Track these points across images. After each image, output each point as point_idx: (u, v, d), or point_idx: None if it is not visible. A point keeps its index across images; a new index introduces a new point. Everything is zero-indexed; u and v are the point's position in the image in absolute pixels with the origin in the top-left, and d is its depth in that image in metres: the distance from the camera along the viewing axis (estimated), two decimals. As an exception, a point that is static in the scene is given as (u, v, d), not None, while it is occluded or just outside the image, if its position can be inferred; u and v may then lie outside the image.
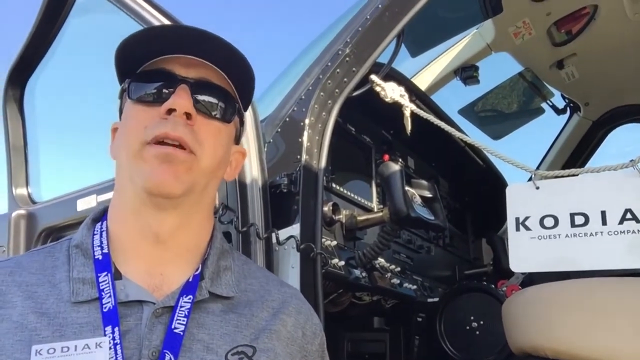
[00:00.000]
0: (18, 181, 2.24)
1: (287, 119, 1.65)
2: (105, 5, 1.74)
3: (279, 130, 1.66)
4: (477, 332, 2.10)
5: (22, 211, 2.11)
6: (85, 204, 1.89)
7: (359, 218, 1.88)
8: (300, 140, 1.59)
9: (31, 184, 2.26)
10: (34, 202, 2.21)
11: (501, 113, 3.50)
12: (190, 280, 0.95)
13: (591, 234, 1.37)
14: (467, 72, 3.03)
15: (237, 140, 1.09)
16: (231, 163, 1.08)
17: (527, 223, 1.43)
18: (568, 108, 3.58)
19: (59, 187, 2.17)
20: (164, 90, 0.94)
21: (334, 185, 1.91)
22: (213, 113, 0.97)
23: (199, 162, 0.93)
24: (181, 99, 0.92)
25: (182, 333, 0.88)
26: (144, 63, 0.98)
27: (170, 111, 0.92)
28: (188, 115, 0.93)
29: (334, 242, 1.74)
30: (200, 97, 0.96)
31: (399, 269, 2.11)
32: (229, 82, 1.01)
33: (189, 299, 0.92)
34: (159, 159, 0.90)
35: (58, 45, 2.15)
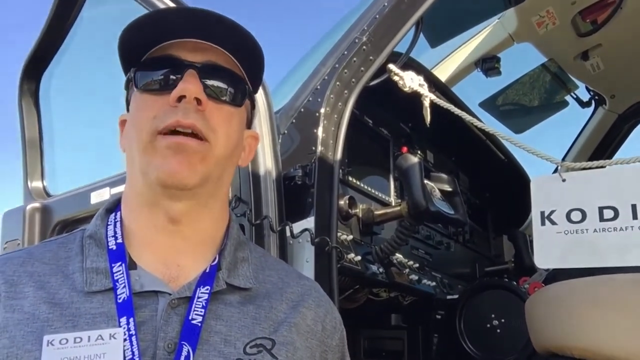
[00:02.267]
0: (33, 174, 2.25)
1: (302, 110, 1.62)
2: (119, -3, 1.72)
3: (294, 121, 1.62)
4: (498, 331, 2.05)
5: (37, 204, 2.11)
6: (99, 197, 1.89)
7: (376, 212, 1.83)
8: (315, 131, 1.55)
9: (46, 177, 2.26)
10: (48, 195, 2.21)
11: (523, 106, 3.42)
12: (207, 270, 0.92)
13: (621, 229, 1.31)
14: (488, 63, 2.96)
15: (249, 124, 1.06)
16: (244, 148, 1.05)
17: (552, 217, 1.37)
18: (593, 101, 3.49)
19: (73, 180, 2.17)
20: (172, 77, 0.91)
21: (350, 178, 1.87)
22: (223, 97, 0.94)
23: (212, 150, 0.90)
24: (190, 85, 0.89)
25: (199, 324, 0.86)
26: (148, 50, 0.94)
27: (180, 98, 0.88)
28: (198, 101, 0.89)
29: (350, 237, 1.71)
30: (210, 82, 0.92)
31: (417, 265, 2.06)
32: (237, 64, 0.97)
33: (207, 289, 0.90)
34: (172, 149, 0.87)
35: (72, 38, 2.14)
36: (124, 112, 1.02)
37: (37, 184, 2.24)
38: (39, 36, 2.12)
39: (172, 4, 1.56)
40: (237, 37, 0.93)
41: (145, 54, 0.94)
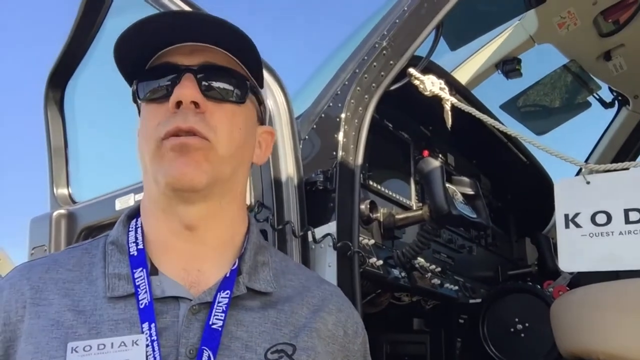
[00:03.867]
0: (59, 181, 2.29)
1: (323, 115, 1.62)
2: (142, 4, 1.74)
3: (315, 126, 1.63)
4: (522, 335, 2.02)
5: (62, 211, 2.15)
6: (123, 203, 1.91)
7: (398, 216, 1.83)
8: (336, 136, 1.56)
9: (71, 184, 2.30)
10: (74, 202, 2.25)
11: (545, 107, 3.38)
12: (228, 275, 0.93)
13: (647, 232, 1.29)
14: (509, 65, 2.93)
15: (262, 120, 1.05)
16: (260, 145, 1.05)
17: (577, 220, 1.35)
18: (616, 101, 3.42)
19: (98, 187, 2.20)
20: (170, 84, 0.92)
21: (371, 182, 1.87)
22: (223, 96, 0.93)
23: (215, 148, 0.90)
24: (186, 89, 0.89)
25: (220, 329, 0.86)
26: (147, 61, 0.95)
27: (178, 104, 0.89)
28: (196, 104, 0.90)
29: (372, 241, 1.70)
30: (207, 83, 0.92)
31: (439, 269, 2.05)
32: (237, 61, 0.96)
33: (227, 294, 0.90)
34: (175, 151, 0.88)
35: (96, 47, 2.18)
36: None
37: (62, 191, 2.28)
38: (63, 45, 2.16)
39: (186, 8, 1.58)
40: (230, 33, 0.93)
41: (145, 65, 0.95)
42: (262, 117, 1.05)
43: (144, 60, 0.95)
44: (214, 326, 0.86)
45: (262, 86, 1.03)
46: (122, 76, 0.97)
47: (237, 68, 0.96)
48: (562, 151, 1.47)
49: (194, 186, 0.89)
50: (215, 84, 0.93)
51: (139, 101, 0.96)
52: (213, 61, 0.94)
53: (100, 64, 2.25)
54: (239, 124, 0.95)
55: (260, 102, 1.03)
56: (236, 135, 0.94)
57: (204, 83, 0.91)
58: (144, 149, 0.93)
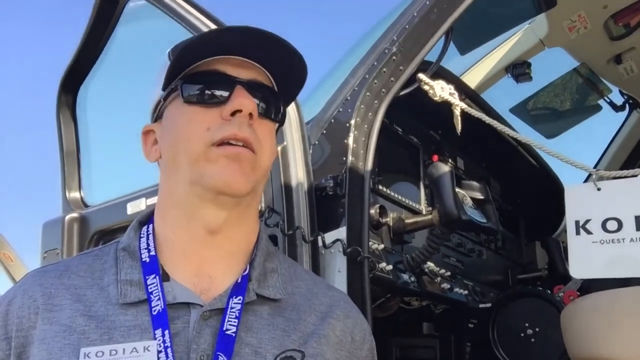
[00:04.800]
0: (71, 185, 2.30)
1: (333, 121, 1.63)
2: (153, 11, 1.76)
3: (325, 132, 1.64)
4: (533, 340, 2.01)
5: (75, 214, 2.17)
6: (135, 207, 1.93)
7: (407, 221, 1.83)
8: (346, 141, 1.56)
9: (83, 187, 2.32)
10: (86, 206, 2.27)
11: (555, 111, 3.37)
12: (239, 281, 0.93)
13: (658, 238, 1.28)
14: (519, 69, 2.92)
15: None
16: None
17: (587, 226, 1.35)
18: (627, 105, 3.41)
19: (110, 191, 2.22)
20: (220, 92, 0.93)
21: (380, 187, 1.87)
22: (267, 113, 0.97)
23: (259, 161, 0.94)
24: (247, 100, 0.92)
25: (234, 335, 0.87)
26: (191, 64, 0.96)
27: (234, 113, 0.92)
28: (251, 116, 0.93)
29: (382, 246, 1.71)
30: (255, 98, 0.95)
31: (449, 273, 2.05)
32: (271, 80, 1.00)
33: (239, 299, 0.91)
34: (229, 159, 0.90)
35: (108, 51, 2.20)
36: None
37: (74, 194, 2.30)
38: (76, 50, 2.18)
39: (204, 18, 1.59)
40: (278, 54, 0.96)
41: (187, 68, 0.96)
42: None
43: (187, 65, 0.96)
44: (227, 332, 0.87)
45: (287, 106, 1.08)
46: (166, 76, 0.96)
47: (273, 87, 1.00)
48: (572, 154, 1.46)
49: (239, 192, 0.92)
50: (262, 100, 0.97)
51: (181, 100, 0.95)
52: (259, 79, 0.97)
53: (112, 69, 2.27)
54: (274, 140, 1.01)
55: (283, 122, 1.06)
56: (274, 151, 1.00)
57: (254, 98, 0.94)
58: (180, 149, 0.93)
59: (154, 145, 1.02)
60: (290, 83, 1.02)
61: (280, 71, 0.99)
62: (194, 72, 0.96)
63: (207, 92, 0.94)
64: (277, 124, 1.02)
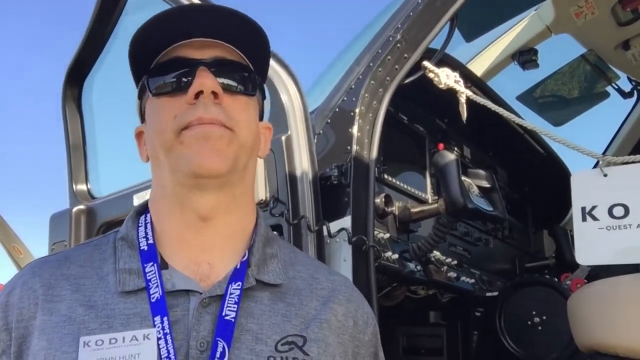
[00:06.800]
0: (78, 177, 2.31)
1: (337, 109, 1.62)
2: (157, 1, 1.76)
3: (329, 121, 1.63)
4: (540, 328, 2.01)
5: (82, 206, 2.18)
6: (141, 199, 1.93)
7: (413, 210, 1.83)
8: (350, 130, 1.56)
9: (90, 179, 2.33)
10: (93, 198, 2.27)
11: (563, 98, 3.34)
12: (238, 267, 0.93)
13: (666, 224, 1.27)
14: (525, 56, 2.90)
15: (261, 116, 1.06)
16: (261, 140, 1.05)
17: (594, 213, 1.34)
18: (635, 91, 3.37)
19: (116, 183, 2.23)
20: (184, 77, 0.92)
21: (386, 176, 1.87)
22: (237, 88, 0.95)
23: (237, 137, 0.91)
24: (206, 79, 0.90)
25: (233, 320, 0.87)
26: (155, 57, 0.95)
27: (197, 95, 0.90)
28: (215, 95, 0.91)
29: (387, 235, 1.70)
30: (221, 76, 0.93)
31: (455, 262, 2.04)
32: (242, 56, 0.98)
33: (238, 285, 0.90)
34: (198, 138, 0.89)
35: (113, 43, 2.20)
36: None
37: (81, 186, 2.30)
38: (80, 42, 2.18)
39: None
40: (240, 28, 0.94)
41: (153, 62, 0.95)
42: (263, 113, 1.07)
43: (150, 57, 0.95)
44: (227, 317, 0.87)
45: (265, 81, 1.05)
46: (132, 73, 0.97)
47: (244, 62, 0.98)
48: (580, 141, 1.45)
49: (217, 171, 0.90)
50: (229, 77, 0.94)
51: (150, 96, 0.95)
52: (223, 55, 0.95)
53: (116, 61, 2.27)
54: (252, 115, 0.97)
55: (264, 97, 1.05)
56: (252, 126, 0.96)
57: (218, 76, 0.92)
58: (156, 142, 0.93)
59: (144, 145, 1.02)
60: (258, 56, 0.99)
61: (246, 46, 0.96)
62: (159, 63, 0.95)
63: (171, 80, 0.93)
64: (256, 98, 1.00)
